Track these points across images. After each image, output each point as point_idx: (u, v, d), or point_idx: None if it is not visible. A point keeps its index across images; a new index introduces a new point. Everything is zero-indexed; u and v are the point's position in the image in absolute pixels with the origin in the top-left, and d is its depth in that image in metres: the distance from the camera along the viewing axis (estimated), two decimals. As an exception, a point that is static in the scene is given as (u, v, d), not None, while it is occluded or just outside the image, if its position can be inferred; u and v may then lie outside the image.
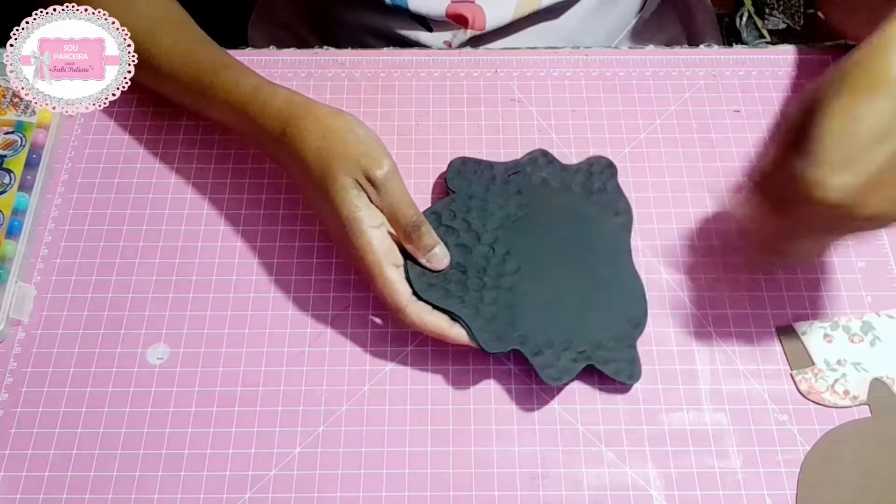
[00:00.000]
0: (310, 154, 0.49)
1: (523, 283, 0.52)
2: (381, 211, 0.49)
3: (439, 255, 0.51)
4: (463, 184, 0.55)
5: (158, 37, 0.56)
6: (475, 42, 0.68)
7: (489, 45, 0.69)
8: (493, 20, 0.67)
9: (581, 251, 0.54)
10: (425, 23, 0.67)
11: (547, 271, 0.52)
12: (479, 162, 0.57)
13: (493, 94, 0.63)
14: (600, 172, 0.57)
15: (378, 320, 0.54)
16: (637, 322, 0.52)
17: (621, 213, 0.55)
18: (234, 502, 0.48)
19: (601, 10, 0.70)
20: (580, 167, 0.57)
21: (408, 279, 0.50)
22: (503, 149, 0.60)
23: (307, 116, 0.50)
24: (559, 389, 0.51)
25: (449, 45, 0.68)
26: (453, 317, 0.50)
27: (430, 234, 0.50)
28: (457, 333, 0.49)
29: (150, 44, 0.55)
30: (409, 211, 0.49)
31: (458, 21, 0.67)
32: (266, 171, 0.60)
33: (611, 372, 0.49)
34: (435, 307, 0.50)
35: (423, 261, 0.50)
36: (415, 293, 0.50)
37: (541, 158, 0.57)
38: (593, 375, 0.51)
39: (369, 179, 0.48)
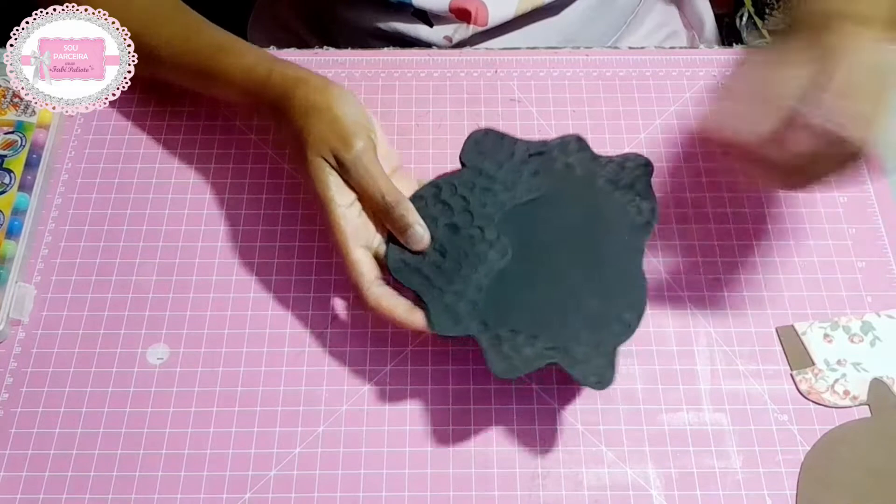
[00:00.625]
0: (293, 132, 0.50)
1: (507, 271, 0.49)
2: (354, 190, 0.49)
3: (418, 235, 0.49)
4: (476, 158, 0.52)
5: (157, 27, 0.56)
6: (476, 38, 0.68)
7: (489, 41, 0.69)
8: (495, 16, 0.67)
9: (585, 246, 0.50)
10: (426, 18, 0.67)
11: (539, 262, 0.50)
12: (502, 136, 0.53)
13: (493, 94, 0.63)
14: (634, 168, 0.52)
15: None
16: (628, 325, 0.48)
17: (644, 213, 0.51)
18: (234, 502, 0.48)
19: (601, 6, 0.71)
20: (613, 160, 0.53)
21: (386, 256, 0.50)
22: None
23: (295, 94, 0.50)
24: (559, 389, 0.51)
25: (449, 40, 0.68)
26: (421, 300, 0.48)
27: (406, 214, 0.49)
28: (413, 319, 0.48)
29: (149, 35, 0.56)
30: (381, 191, 0.48)
31: (461, 16, 0.67)
32: (266, 170, 0.60)
33: (577, 375, 0.45)
34: (408, 288, 0.49)
35: (401, 240, 0.50)
36: (390, 271, 0.49)
37: (573, 144, 0.53)
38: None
39: (338, 160, 0.48)
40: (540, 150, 0.53)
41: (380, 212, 0.49)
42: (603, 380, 0.45)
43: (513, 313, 0.48)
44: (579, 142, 0.54)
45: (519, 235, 0.50)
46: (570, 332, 0.47)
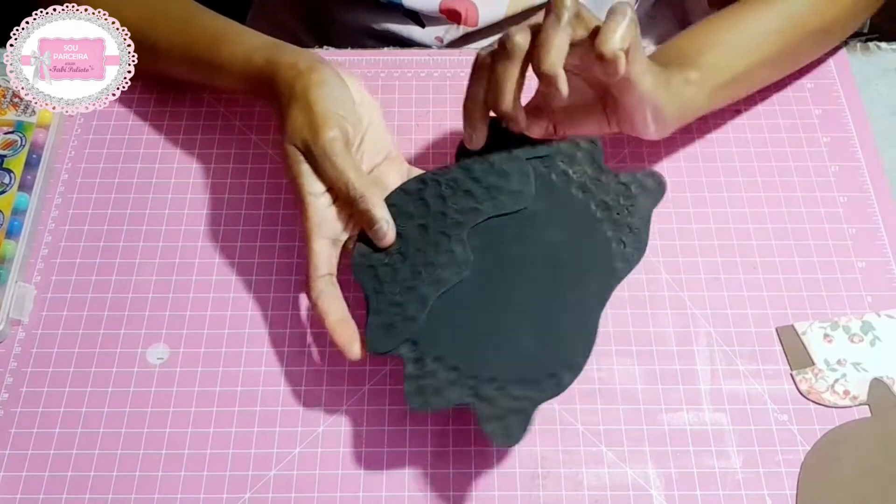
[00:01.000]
0: (279, 118, 0.50)
1: (460, 289, 0.47)
2: (324, 181, 0.48)
3: (381, 232, 0.48)
4: (469, 154, 0.50)
5: (156, 22, 0.56)
6: (467, 39, 0.69)
7: (481, 41, 0.69)
8: (485, 16, 0.67)
9: (548, 280, 0.47)
10: (418, 18, 0.68)
11: (496, 286, 0.47)
12: (504, 133, 0.49)
13: (493, 94, 0.63)
14: (639, 194, 0.49)
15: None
16: (558, 384, 0.44)
17: (627, 251, 0.47)
18: (234, 502, 0.48)
19: (594, 7, 0.70)
20: (620, 178, 0.49)
21: (353, 251, 0.49)
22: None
23: (283, 80, 0.50)
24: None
25: (441, 40, 0.68)
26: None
27: (371, 209, 0.47)
28: (336, 331, 0.46)
29: (150, 29, 0.56)
30: (346, 182, 0.47)
31: (451, 17, 0.67)
32: (266, 170, 0.60)
33: (484, 425, 0.43)
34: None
35: (369, 235, 0.48)
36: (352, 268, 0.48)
37: (581, 152, 0.50)
38: (593, 377, 0.51)
39: (308, 149, 0.48)
40: (543, 154, 0.50)
41: (346, 203, 0.48)
42: (510, 439, 0.43)
43: (446, 339, 0.46)
44: (590, 149, 0.50)
45: (486, 251, 0.48)
46: (498, 375, 0.45)
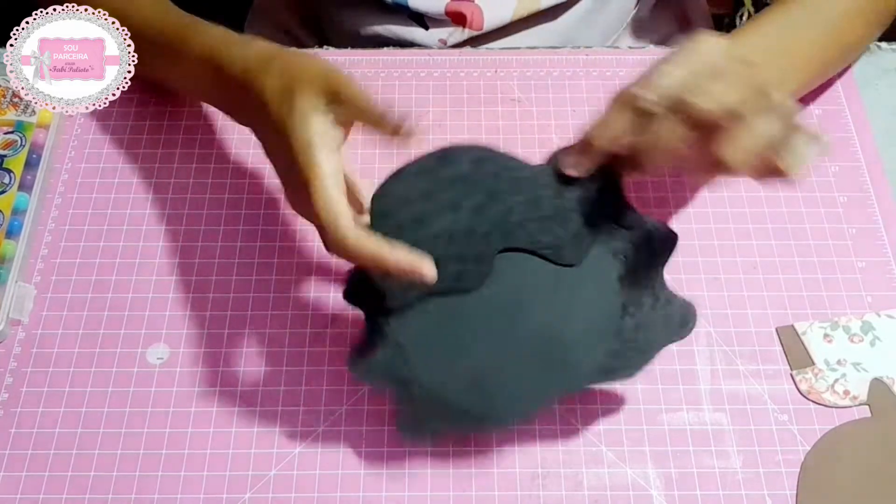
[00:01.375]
0: (270, 94, 0.45)
1: (458, 297, 0.44)
2: (356, 120, 0.45)
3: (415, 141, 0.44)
4: (564, 179, 0.45)
5: (130, 12, 0.55)
6: (471, 42, 0.69)
7: (484, 45, 0.69)
8: (491, 20, 0.67)
9: (537, 352, 0.44)
10: (422, 21, 0.68)
11: (487, 313, 0.44)
12: (604, 174, 0.44)
13: (493, 94, 0.63)
14: (668, 327, 0.46)
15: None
16: (482, 426, 0.46)
17: (619, 370, 0.45)
18: (234, 502, 0.48)
19: (597, 9, 0.71)
20: (658, 298, 0.46)
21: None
22: (503, 149, 0.60)
23: (269, 63, 0.47)
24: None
25: (444, 43, 0.68)
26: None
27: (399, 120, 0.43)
28: (398, 259, 0.41)
29: (126, 22, 0.54)
30: (374, 104, 0.44)
31: (457, 20, 0.67)
32: (266, 171, 0.60)
33: (399, 421, 0.46)
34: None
35: (400, 143, 0.44)
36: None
37: (648, 246, 0.45)
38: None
39: (335, 93, 0.44)
40: (616, 221, 0.45)
41: (375, 122, 0.44)
42: (413, 439, 0.48)
43: (413, 330, 0.44)
44: (662, 246, 0.46)
45: (503, 280, 0.44)
46: (433, 387, 0.44)
